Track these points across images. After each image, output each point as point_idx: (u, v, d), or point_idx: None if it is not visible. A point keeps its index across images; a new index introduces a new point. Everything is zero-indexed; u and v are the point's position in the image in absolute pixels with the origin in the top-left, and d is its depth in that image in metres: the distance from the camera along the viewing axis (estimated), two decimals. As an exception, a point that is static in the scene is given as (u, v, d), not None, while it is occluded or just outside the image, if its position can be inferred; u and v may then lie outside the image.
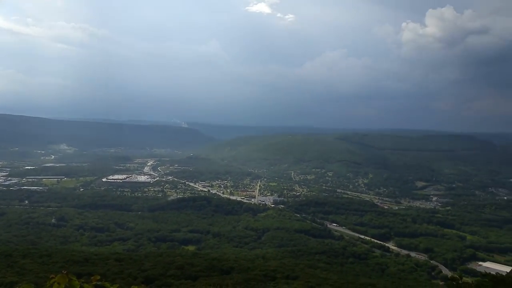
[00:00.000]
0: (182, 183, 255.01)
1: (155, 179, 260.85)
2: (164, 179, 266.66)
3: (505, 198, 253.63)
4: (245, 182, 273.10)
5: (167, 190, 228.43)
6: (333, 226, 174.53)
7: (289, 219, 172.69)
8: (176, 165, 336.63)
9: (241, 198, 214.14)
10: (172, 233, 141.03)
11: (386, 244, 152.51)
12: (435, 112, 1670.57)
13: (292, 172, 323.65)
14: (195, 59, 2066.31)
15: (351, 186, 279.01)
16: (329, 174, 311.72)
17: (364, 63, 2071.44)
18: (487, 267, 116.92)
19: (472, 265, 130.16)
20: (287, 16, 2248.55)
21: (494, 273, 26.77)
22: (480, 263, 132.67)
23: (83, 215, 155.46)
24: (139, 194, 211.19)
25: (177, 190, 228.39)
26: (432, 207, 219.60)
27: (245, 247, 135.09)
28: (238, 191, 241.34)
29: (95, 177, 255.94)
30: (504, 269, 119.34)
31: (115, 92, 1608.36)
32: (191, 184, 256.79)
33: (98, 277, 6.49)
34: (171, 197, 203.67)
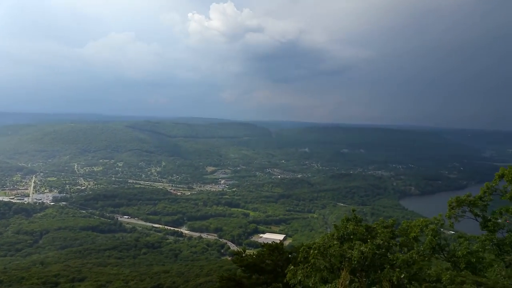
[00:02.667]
0: None
1: None
2: None
3: (279, 176, 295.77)
4: (15, 179, 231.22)
5: None
6: (125, 218, 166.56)
7: (73, 217, 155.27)
8: None
9: (10, 198, 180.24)
10: None
11: (180, 230, 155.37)
12: (221, 102, 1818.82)
13: (76, 164, 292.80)
14: None
15: (143, 176, 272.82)
16: (120, 165, 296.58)
17: (154, 50, 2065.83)
18: (267, 238, 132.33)
19: (255, 238, 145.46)
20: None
21: (271, 242, 28.78)
22: (261, 235, 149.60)
23: None
24: None
25: None
26: (221, 190, 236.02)
27: (17, 255, 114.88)
28: (5, 190, 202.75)
29: None
30: (279, 237, 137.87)
31: None
32: None
33: None
34: None
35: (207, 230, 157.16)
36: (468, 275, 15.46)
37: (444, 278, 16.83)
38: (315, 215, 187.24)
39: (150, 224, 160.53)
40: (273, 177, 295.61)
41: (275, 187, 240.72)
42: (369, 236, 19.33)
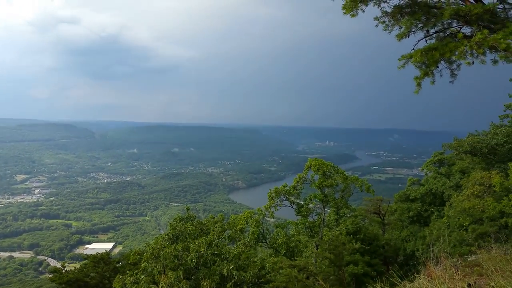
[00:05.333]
0: None
1: None
2: None
3: (105, 181, 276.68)
4: None
5: None
6: None
7: None
8: None
9: None
10: None
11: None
12: (31, 100, 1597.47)
13: None
14: None
15: None
16: None
17: None
18: (93, 248, 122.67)
19: (80, 250, 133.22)
20: None
21: (96, 253, 27.51)
22: (87, 246, 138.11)
23: None
24: None
25: None
26: (36, 200, 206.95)
27: None
28: None
29: None
30: (108, 246, 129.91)
31: None
32: None
33: None
34: None
35: (20, 247, 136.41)
36: (285, 260, 17.12)
37: (267, 265, 18.35)
38: (147, 218, 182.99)
39: None
40: (98, 182, 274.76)
41: (102, 193, 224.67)
42: (202, 233, 19.66)
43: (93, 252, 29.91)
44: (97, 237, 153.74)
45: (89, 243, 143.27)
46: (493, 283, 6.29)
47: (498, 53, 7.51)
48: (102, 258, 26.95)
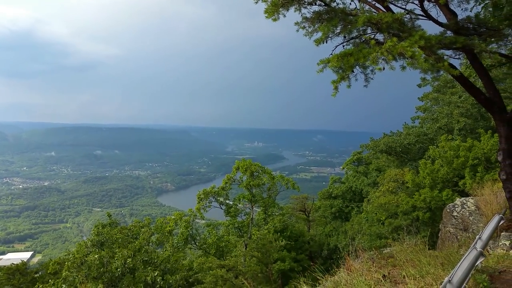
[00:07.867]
0: None
1: None
2: None
3: (20, 186, 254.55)
4: None
5: None
6: None
7: None
8: None
9: None
10: None
11: None
12: None
13: None
14: None
15: None
16: None
17: None
18: (9, 259, 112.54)
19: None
20: None
21: (10, 264, 25.95)
22: (1, 257, 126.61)
23: None
24: None
25: None
26: None
27: None
28: None
29: None
30: (25, 256, 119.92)
31: None
32: None
33: None
34: None
35: None
36: (214, 260, 17.12)
37: (195, 266, 18.15)
38: (68, 225, 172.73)
39: None
40: (13, 187, 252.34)
41: (17, 199, 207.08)
42: (130, 239, 18.95)
43: (8, 263, 27.49)
44: (13, 246, 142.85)
45: (4, 253, 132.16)
46: (404, 273, 6.77)
47: (406, 60, 8.15)
48: (18, 269, 25.30)
